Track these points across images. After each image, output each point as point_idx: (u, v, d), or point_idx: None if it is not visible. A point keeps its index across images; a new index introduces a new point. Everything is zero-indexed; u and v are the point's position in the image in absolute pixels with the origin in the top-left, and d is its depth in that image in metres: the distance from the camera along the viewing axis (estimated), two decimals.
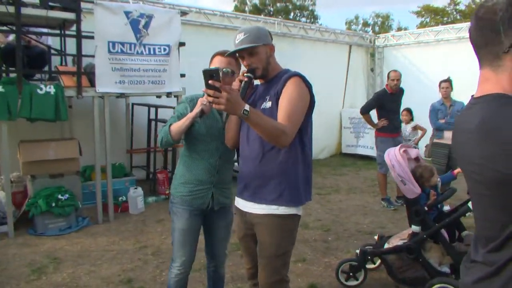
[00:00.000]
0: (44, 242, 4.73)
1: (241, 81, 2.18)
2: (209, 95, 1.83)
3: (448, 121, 5.75)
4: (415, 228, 3.41)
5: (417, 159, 3.71)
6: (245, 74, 2.18)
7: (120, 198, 5.94)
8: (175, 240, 2.66)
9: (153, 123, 7.25)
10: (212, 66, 2.48)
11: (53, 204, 4.99)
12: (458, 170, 3.85)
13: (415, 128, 6.79)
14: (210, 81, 1.81)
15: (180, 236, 2.62)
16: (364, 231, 5.08)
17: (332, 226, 5.25)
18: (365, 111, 6.22)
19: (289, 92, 2.13)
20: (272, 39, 2.30)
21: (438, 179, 3.69)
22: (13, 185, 5.38)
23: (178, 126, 2.43)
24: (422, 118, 6.52)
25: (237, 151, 2.58)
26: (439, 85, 5.98)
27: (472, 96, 1.32)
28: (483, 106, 1.21)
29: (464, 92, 6.13)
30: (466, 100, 5.93)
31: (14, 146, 5.25)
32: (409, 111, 6.82)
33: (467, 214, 3.39)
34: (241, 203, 2.37)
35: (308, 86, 2.21)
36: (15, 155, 5.30)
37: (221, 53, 2.49)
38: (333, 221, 5.45)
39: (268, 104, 2.22)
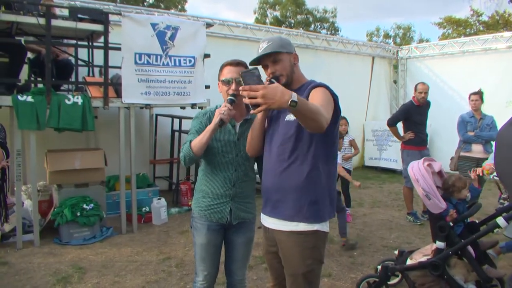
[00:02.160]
0: (69, 251, 4.76)
1: (268, 81, 2.12)
2: (244, 97, 1.74)
3: (478, 134, 5.62)
4: (439, 244, 3.29)
5: (440, 173, 3.61)
6: (269, 79, 2.12)
7: (144, 209, 5.95)
8: (196, 255, 2.64)
9: (176, 134, 7.29)
10: (224, 77, 2.46)
11: (78, 214, 5.03)
12: (479, 170, 3.69)
13: (351, 143, 6.25)
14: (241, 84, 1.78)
15: (201, 251, 2.60)
16: (390, 246, 4.97)
17: (357, 240, 5.14)
18: (392, 123, 6.11)
19: (315, 96, 2.08)
20: (294, 50, 2.28)
21: (468, 194, 3.58)
22: (39, 194, 5.45)
23: (199, 140, 2.37)
24: (447, 130, 6.34)
25: (257, 164, 2.55)
26: (469, 97, 5.84)
27: None
28: None
29: (491, 105, 6.02)
30: (494, 114, 5.82)
31: (41, 155, 5.32)
32: (346, 120, 6.17)
33: (495, 231, 3.27)
34: (264, 218, 2.33)
35: (334, 96, 2.15)
36: (41, 164, 5.37)
37: (231, 63, 2.47)
38: (358, 236, 5.34)
39: (292, 116, 2.16)
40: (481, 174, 3.66)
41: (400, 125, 6.22)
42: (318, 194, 2.15)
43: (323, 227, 2.19)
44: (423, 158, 3.49)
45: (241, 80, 2.41)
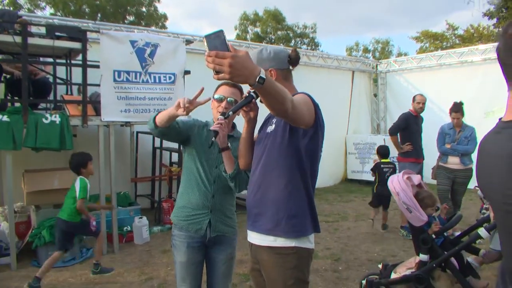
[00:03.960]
0: (48, 274, 4.57)
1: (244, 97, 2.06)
2: (210, 62, 1.52)
3: (454, 147, 5.69)
4: (423, 256, 3.29)
5: (419, 185, 3.63)
6: (249, 92, 2.00)
7: (125, 228, 5.84)
8: (177, 274, 2.59)
9: (158, 151, 7.22)
10: (217, 95, 2.50)
11: None
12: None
13: None
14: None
15: (181, 270, 2.56)
16: (375, 260, 4.95)
17: (342, 255, 5.12)
18: (394, 131, 6.26)
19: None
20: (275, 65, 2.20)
21: (437, 209, 3.62)
22: (16, 215, 5.30)
23: (163, 114, 2.36)
24: (427, 142, 6.47)
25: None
26: (450, 113, 5.87)
27: (500, 119, 1.26)
28: None
29: (470, 116, 6.11)
30: (473, 125, 5.88)
31: (17, 175, 5.19)
32: None
33: (477, 241, 3.29)
34: (248, 233, 2.28)
35: (314, 104, 2.08)
36: (18, 185, 5.24)
37: (227, 83, 2.51)
38: (343, 250, 5.32)
39: (271, 127, 2.16)
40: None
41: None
42: (298, 208, 2.10)
43: (304, 243, 2.10)
44: (402, 172, 3.50)
45: (232, 101, 2.41)
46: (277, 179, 2.10)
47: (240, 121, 2.54)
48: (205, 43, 1.52)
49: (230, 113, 2.04)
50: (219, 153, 2.47)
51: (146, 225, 5.81)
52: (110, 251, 5.34)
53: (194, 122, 2.65)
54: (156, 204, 7.10)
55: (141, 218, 5.85)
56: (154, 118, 2.42)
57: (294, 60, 2.23)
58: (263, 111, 2.20)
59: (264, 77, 1.56)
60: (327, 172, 10.09)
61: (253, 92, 2.01)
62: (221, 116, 2.32)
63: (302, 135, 2.10)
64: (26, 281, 4.38)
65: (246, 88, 2.22)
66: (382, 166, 6.28)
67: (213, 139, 2.26)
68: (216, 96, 2.52)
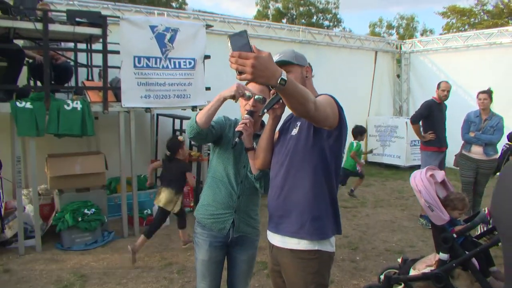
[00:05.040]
0: (71, 257, 4.75)
1: (273, 94, 2.07)
2: (233, 63, 1.53)
3: (478, 136, 5.54)
4: (443, 255, 3.26)
5: (443, 182, 3.55)
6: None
7: (145, 211, 5.94)
8: (198, 271, 2.62)
9: (178, 134, 7.25)
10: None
11: (80, 219, 5.01)
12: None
13: None
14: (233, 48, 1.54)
15: (202, 267, 2.58)
16: (393, 250, 4.94)
17: (360, 244, 5.12)
18: (416, 120, 6.11)
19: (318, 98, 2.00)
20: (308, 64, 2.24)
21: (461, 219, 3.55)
22: (40, 198, 5.44)
23: (205, 109, 2.29)
24: (451, 126, 6.27)
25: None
26: (477, 96, 5.70)
27: None
28: None
29: (495, 102, 5.92)
30: (499, 111, 5.70)
31: (41, 159, 5.30)
32: None
33: (499, 244, 3.23)
34: (268, 234, 2.29)
35: (338, 106, 2.09)
36: (42, 169, 5.36)
37: None
38: (361, 238, 5.32)
39: (296, 130, 2.16)
40: None
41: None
42: (322, 210, 2.11)
43: (326, 246, 2.12)
44: (426, 168, 3.44)
45: (260, 98, 2.39)
46: (301, 181, 2.10)
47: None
48: (229, 43, 1.54)
49: (265, 110, 2.07)
50: (245, 152, 2.44)
51: None
52: (131, 234, 5.45)
53: (225, 120, 2.59)
54: None
55: None
56: (197, 114, 2.33)
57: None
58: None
59: (286, 79, 1.57)
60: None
61: None
62: (246, 115, 2.31)
63: (327, 136, 2.10)
64: (50, 264, 4.53)
65: None
66: None
67: (236, 139, 2.26)
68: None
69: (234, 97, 2.23)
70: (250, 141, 2.37)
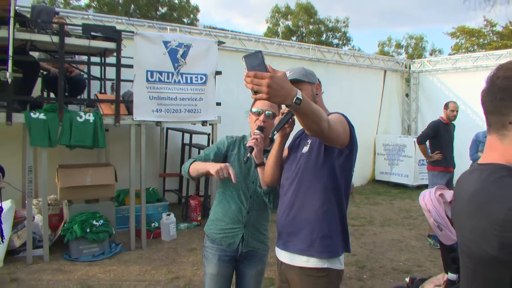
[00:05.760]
0: (78, 268, 4.77)
1: (283, 114, 2.07)
2: (248, 83, 1.54)
3: None
4: (452, 276, 3.21)
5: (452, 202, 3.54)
6: (286, 111, 2.04)
7: (153, 224, 5.96)
8: (205, 285, 2.63)
9: (186, 147, 7.30)
10: (255, 108, 2.49)
11: (88, 230, 5.04)
12: None
13: None
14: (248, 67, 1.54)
15: (210, 281, 2.59)
16: (400, 269, 4.91)
17: (367, 262, 5.09)
18: (422, 140, 6.12)
19: (330, 117, 2.00)
20: (318, 81, 2.26)
21: None
22: (50, 207, 5.49)
23: (197, 168, 2.50)
24: (460, 147, 6.26)
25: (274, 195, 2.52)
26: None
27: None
28: (481, 175, 1.15)
29: None
30: None
31: (52, 169, 5.36)
32: None
33: None
34: (277, 251, 2.30)
35: (350, 125, 2.10)
36: (53, 179, 5.41)
37: None
38: (368, 257, 5.29)
39: (307, 148, 2.17)
40: None
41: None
42: (332, 228, 2.11)
43: (336, 264, 2.11)
44: (435, 187, 3.42)
45: (270, 114, 2.42)
46: (311, 199, 2.10)
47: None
48: (244, 63, 1.54)
49: (275, 132, 2.04)
50: (255, 168, 2.47)
51: (174, 222, 5.92)
52: (138, 247, 5.46)
53: (228, 140, 2.66)
54: (183, 200, 7.21)
55: (168, 215, 5.96)
56: (189, 169, 2.54)
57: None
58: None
59: (301, 98, 1.56)
60: (355, 172, 9.94)
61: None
62: (257, 131, 2.36)
63: (337, 154, 2.11)
64: (57, 274, 4.55)
65: None
66: None
67: (248, 155, 2.29)
68: (254, 109, 2.51)
69: (252, 149, 2.30)
70: (260, 156, 2.39)
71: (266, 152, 2.50)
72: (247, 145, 2.35)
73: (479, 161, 1.23)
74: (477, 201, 1.10)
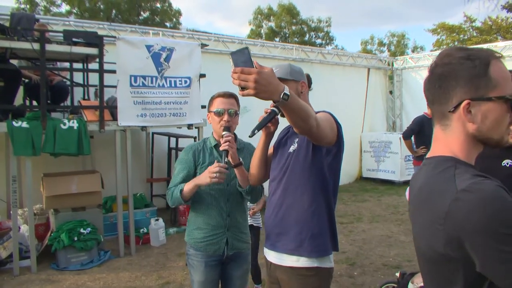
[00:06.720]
0: (67, 277, 4.71)
1: (266, 112, 2.02)
2: (235, 79, 1.50)
3: None
4: None
5: None
6: (271, 108, 1.97)
7: (142, 230, 5.92)
8: None
9: (173, 152, 7.27)
10: (215, 108, 2.48)
11: (76, 238, 4.99)
12: None
13: None
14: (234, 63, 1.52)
15: None
16: (390, 265, 4.94)
17: (357, 259, 5.12)
18: (408, 135, 6.26)
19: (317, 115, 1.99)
20: (304, 78, 2.23)
21: None
22: (36, 217, 5.41)
23: (188, 188, 2.42)
24: None
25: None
26: None
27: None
28: (427, 170, 1.14)
29: None
30: None
31: (37, 178, 5.28)
32: None
33: None
34: (266, 251, 2.29)
35: (337, 124, 2.10)
36: (38, 188, 5.34)
37: (223, 95, 2.50)
38: (358, 254, 5.32)
39: (294, 147, 2.16)
40: None
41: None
42: (321, 227, 2.10)
43: (325, 262, 2.11)
44: None
45: (232, 112, 2.42)
46: (300, 198, 2.10)
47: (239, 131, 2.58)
48: (231, 60, 1.52)
49: (256, 131, 1.96)
50: (232, 168, 2.43)
51: (163, 227, 5.88)
52: (128, 253, 5.41)
53: (191, 158, 2.57)
54: None
55: (157, 220, 5.92)
56: (181, 195, 2.46)
57: (309, 81, 2.30)
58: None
59: (288, 94, 1.54)
60: (342, 170, 9.71)
61: (275, 107, 1.99)
62: (225, 132, 2.34)
63: (326, 153, 2.11)
64: (46, 285, 4.48)
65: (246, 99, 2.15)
66: None
67: (226, 159, 2.28)
68: (214, 110, 2.48)
69: (227, 152, 2.32)
70: (236, 157, 2.39)
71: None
72: (221, 149, 2.34)
73: (428, 155, 1.21)
74: (423, 195, 1.09)
